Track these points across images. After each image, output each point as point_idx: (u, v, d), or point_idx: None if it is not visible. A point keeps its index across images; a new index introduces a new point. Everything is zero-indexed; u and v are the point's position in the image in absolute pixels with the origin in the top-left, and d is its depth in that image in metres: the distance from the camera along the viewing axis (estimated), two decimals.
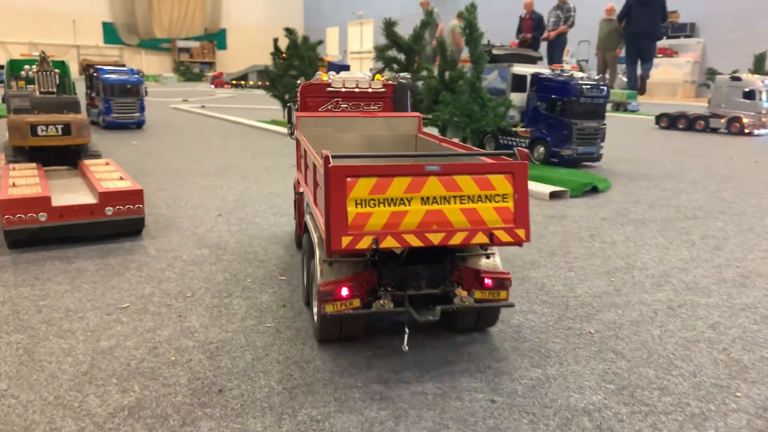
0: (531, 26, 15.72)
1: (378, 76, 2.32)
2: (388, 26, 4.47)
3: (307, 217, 1.75)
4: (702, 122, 7.17)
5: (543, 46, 16.03)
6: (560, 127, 4.23)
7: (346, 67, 10.99)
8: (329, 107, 2.25)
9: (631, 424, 1.23)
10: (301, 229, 2.01)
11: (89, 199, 2.50)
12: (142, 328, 1.64)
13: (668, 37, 17.49)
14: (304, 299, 1.79)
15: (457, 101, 4.12)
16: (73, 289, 1.91)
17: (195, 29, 26.76)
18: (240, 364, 1.46)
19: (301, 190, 2.05)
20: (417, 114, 2.29)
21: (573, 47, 18.24)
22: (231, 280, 2.01)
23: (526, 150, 1.49)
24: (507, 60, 4.66)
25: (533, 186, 3.44)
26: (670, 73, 16.91)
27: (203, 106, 10.08)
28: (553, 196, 3.31)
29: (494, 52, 4.64)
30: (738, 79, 6.78)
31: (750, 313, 1.79)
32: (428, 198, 1.39)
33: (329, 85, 2.22)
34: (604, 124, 4.35)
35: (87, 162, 3.07)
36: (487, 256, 1.54)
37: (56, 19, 24.57)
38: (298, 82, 2.37)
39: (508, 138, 4.57)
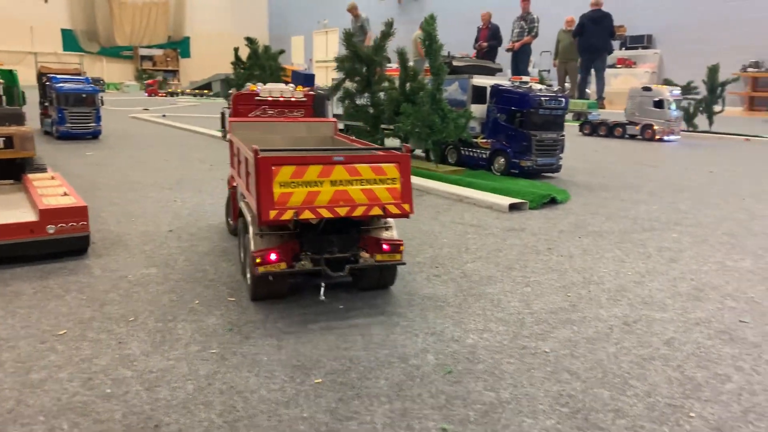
0: (487, 36, 15.96)
1: (299, 87, 2.72)
2: (348, 37, 4.43)
3: (242, 204, 2.16)
4: (620, 129, 7.75)
5: (506, 57, 16.28)
6: (520, 139, 4.24)
7: (311, 76, 10.92)
8: (258, 113, 2.66)
9: None
10: (236, 215, 2.38)
11: (29, 216, 2.38)
12: (77, 357, 1.55)
13: (627, 48, 17.91)
14: (242, 271, 2.15)
15: (418, 113, 4.10)
16: (7, 315, 1.80)
17: (158, 37, 26.30)
18: (180, 395, 1.38)
19: (234, 184, 2.46)
20: (333, 119, 2.74)
21: (536, 58, 18.56)
22: (177, 301, 1.93)
23: (409, 146, 1.96)
24: (467, 71, 4.67)
25: (492, 198, 3.44)
26: (630, 83, 17.22)
27: (164, 115, 9.89)
28: (513, 208, 3.30)
29: (454, 63, 4.65)
30: (649, 89, 7.37)
31: (704, 327, 1.79)
32: (336, 181, 1.83)
33: (257, 94, 2.63)
34: (563, 135, 4.39)
35: (31, 176, 2.94)
36: (386, 228, 2.01)
37: (12, 26, 23.87)
38: (230, 92, 2.76)
39: (470, 149, 4.57)
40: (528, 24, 15.27)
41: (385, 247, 1.92)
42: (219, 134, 6.56)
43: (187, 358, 1.54)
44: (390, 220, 2.00)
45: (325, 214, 1.80)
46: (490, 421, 1.29)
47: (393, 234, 2.00)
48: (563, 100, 4.32)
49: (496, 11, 16.94)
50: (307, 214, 1.79)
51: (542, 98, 4.19)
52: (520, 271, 2.28)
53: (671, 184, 4.27)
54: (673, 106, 7.29)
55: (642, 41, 17.50)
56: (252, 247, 1.85)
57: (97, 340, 1.64)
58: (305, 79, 9.01)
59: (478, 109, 4.47)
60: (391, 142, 4.87)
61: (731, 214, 3.32)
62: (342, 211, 1.81)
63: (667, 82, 8.47)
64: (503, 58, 15.04)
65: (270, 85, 2.70)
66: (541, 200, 3.43)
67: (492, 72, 4.88)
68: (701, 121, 8.22)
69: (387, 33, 4.47)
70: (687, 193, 3.94)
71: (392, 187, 1.87)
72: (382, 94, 4.57)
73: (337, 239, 1.92)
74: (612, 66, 18.13)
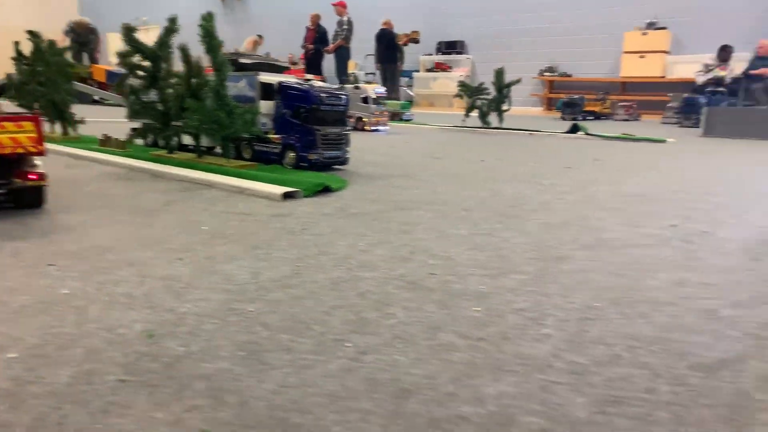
0: (314, 38, 16.33)
1: None
2: (128, 32, 4.37)
3: None
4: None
5: (330, 58, 16.68)
6: (306, 134, 4.48)
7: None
8: None
9: (249, 386, 1.38)
10: None
11: None
12: None
13: (443, 53, 19.18)
14: None
15: (202, 108, 4.17)
16: None
17: None
18: None
19: None
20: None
21: (361, 60, 19.22)
22: None
23: (39, 111, 2.71)
24: (254, 69, 4.82)
25: (269, 188, 3.62)
26: (446, 86, 18.58)
27: None
28: (287, 196, 3.51)
29: (241, 60, 4.77)
30: (358, 87, 8.69)
31: (398, 281, 2.09)
32: None
33: None
34: (348, 130, 4.71)
35: None
36: (33, 165, 2.88)
37: None
38: None
39: (263, 145, 4.73)
40: (340, 27, 15.92)
41: (31, 176, 2.85)
42: None
43: None
44: (36, 160, 2.90)
45: None
46: (173, 370, 1.44)
47: (38, 169, 2.89)
48: (344, 97, 4.63)
49: (326, 14, 17.34)
50: None
51: (323, 95, 4.46)
52: (265, 249, 2.47)
53: (445, 173, 4.77)
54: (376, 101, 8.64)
55: (455, 47, 18.88)
56: None
57: None
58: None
59: (267, 106, 4.65)
60: (186, 139, 4.88)
61: (478, 194, 3.82)
62: None
63: (467, 87, 9.29)
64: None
65: None
66: (315, 188, 3.68)
67: (280, 69, 5.07)
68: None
69: (171, 29, 4.47)
70: (454, 179, 4.44)
71: (31, 136, 2.77)
72: (170, 90, 4.57)
73: None
74: (431, 70, 19.40)
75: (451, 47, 18.89)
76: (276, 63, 5.10)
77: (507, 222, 3.07)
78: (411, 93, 19.03)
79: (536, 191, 3.99)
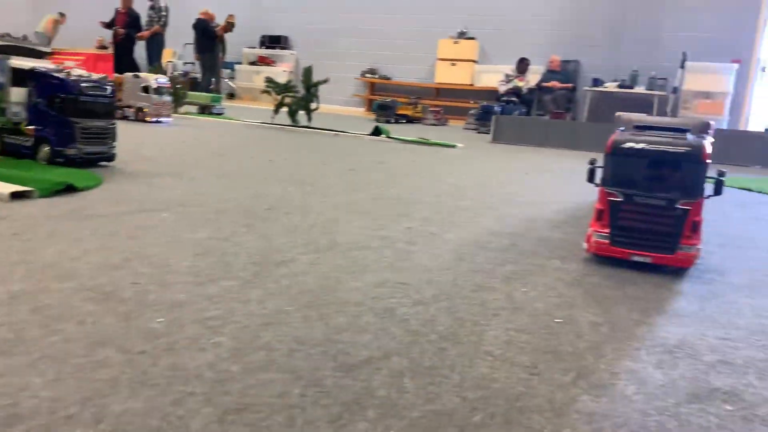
0: (125, 22, 15.23)
1: None
2: None
3: None
4: (120, 112, 7.93)
5: (141, 45, 15.62)
6: (63, 126, 4.12)
7: None
8: None
9: None
10: None
11: None
12: None
13: (267, 47, 18.90)
14: None
15: None
16: None
17: None
18: None
19: None
20: None
21: (179, 49, 18.30)
22: None
23: None
24: (8, 52, 4.34)
25: None
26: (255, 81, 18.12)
27: None
28: (17, 196, 3.19)
29: None
30: (138, 77, 8.34)
31: (91, 292, 1.99)
32: None
33: None
34: (113, 124, 4.42)
35: None
36: None
37: None
38: None
39: (13, 136, 4.27)
40: (156, 13, 15.03)
41: None
42: None
43: None
44: None
45: None
46: None
47: None
48: (108, 88, 4.35)
49: None
50: None
51: (83, 85, 4.15)
52: None
53: (220, 172, 4.68)
54: (157, 91, 8.32)
55: (279, 42, 18.70)
56: None
57: None
58: None
59: (20, 93, 4.21)
60: None
61: (241, 195, 3.80)
62: None
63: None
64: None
65: None
66: (54, 188, 3.39)
67: (40, 55, 4.62)
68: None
69: None
70: (226, 179, 4.37)
71: None
72: None
73: None
74: (254, 63, 19.03)
75: (275, 42, 18.70)
76: (36, 48, 4.64)
77: (254, 225, 3.07)
78: (232, 85, 18.53)
79: (304, 193, 4.06)
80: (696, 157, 2.53)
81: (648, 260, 2.64)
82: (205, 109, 10.71)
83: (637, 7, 15.76)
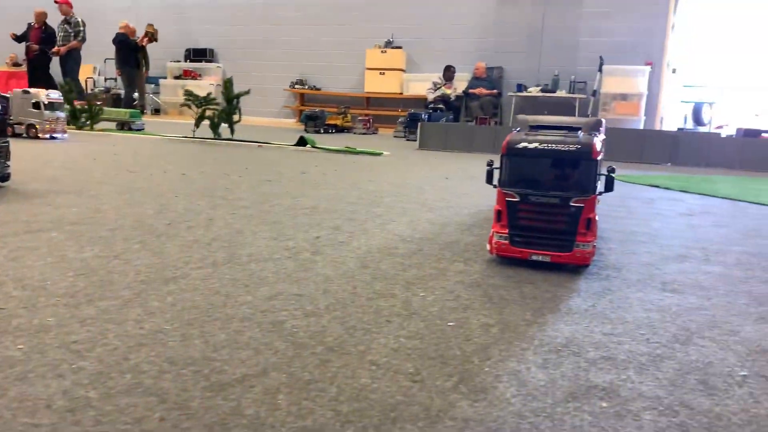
0: (41, 38, 14.60)
1: None
2: None
3: None
4: (10, 129, 7.78)
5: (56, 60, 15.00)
6: None
7: None
8: None
9: None
10: None
11: None
12: None
13: (191, 61, 18.52)
14: None
15: None
16: None
17: None
18: None
19: None
20: None
21: (100, 65, 17.68)
22: None
23: None
24: None
25: None
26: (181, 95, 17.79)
27: None
28: None
29: None
30: (28, 92, 8.08)
31: None
32: None
33: None
34: (6, 142, 4.16)
35: None
36: None
37: None
38: None
39: None
40: (73, 28, 14.47)
41: None
42: None
43: None
44: None
45: None
46: None
47: None
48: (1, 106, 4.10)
49: (53, 12, 15.47)
50: None
51: None
52: None
53: (126, 188, 4.49)
54: (48, 107, 8.08)
55: (205, 54, 18.37)
56: None
57: None
58: None
59: None
60: None
61: (144, 211, 3.64)
62: None
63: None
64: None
65: None
66: None
67: None
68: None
69: None
70: (131, 195, 4.18)
71: None
72: None
73: None
74: (179, 77, 18.59)
75: (200, 55, 18.31)
76: None
77: (149, 241, 2.94)
78: (157, 100, 18.00)
79: (212, 206, 3.93)
80: (586, 154, 2.53)
81: (547, 259, 2.66)
82: (124, 125, 10.33)
83: (555, 14, 16.34)
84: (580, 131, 2.66)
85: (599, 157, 2.61)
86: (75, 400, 1.42)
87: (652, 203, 5.20)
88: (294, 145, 8.86)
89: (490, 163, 2.79)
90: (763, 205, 5.32)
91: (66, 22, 14.67)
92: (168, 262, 2.61)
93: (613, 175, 2.67)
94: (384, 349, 1.82)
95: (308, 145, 8.75)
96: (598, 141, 2.65)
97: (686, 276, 2.82)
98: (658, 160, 9.46)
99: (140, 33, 15.84)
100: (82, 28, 14.83)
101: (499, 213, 2.70)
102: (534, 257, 2.67)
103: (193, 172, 5.56)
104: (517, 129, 2.79)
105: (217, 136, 8.97)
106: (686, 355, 1.89)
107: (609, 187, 2.67)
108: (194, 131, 9.04)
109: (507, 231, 2.69)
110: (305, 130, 13.23)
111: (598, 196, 2.67)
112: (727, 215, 4.67)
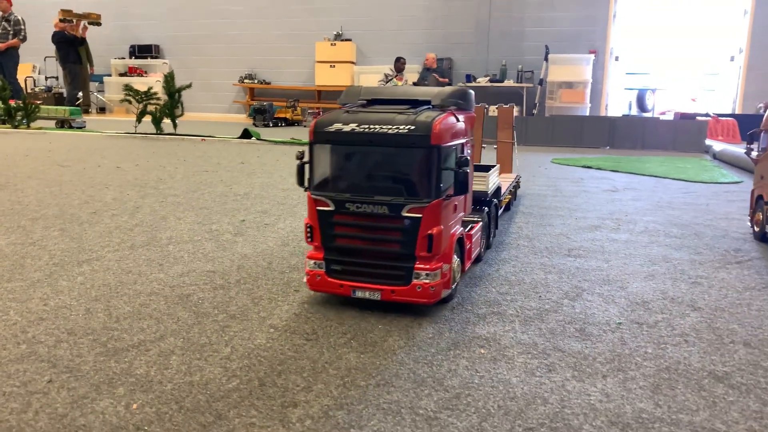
0: None
1: None
2: None
3: None
4: None
5: None
6: None
7: None
8: None
9: None
10: None
11: None
12: None
13: (137, 57, 18.15)
14: None
15: None
16: None
17: None
18: None
19: None
20: None
21: (40, 63, 17.16)
22: None
23: None
24: None
25: None
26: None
27: None
28: None
29: None
30: None
31: None
32: None
33: None
34: None
35: None
36: None
37: None
38: None
39: None
40: (12, 26, 14.04)
41: None
42: None
43: None
44: None
45: None
46: None
47: None
48: None
49: None
50: None
51: None
52: None
53: (57, 181, 4.44)
54: None
55: (150, 51, 18.02)
56: None
57: None
58: None
59: None
60: None
61: (70, 201, 3.62)
62: None
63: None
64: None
65: None
66: None
67: None
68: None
69: None
70: (60, 188, 4.14)
71: None
72: None
73: None
74: (124, 74, 18.21)
75: (145, 51, 17.94)
76: None
77: (70, 229, 2.94)
78: (102, 98, 17.60)
79: (142, 196, 3.93)
80: (421, 139, 1.74)
81: (376, 296, 1.86)
82: (64, 123, 10.09)
83: (502, 5, 16.61)
84: (426, 106, 1.91)
85: (448, 144, 1.83)
86: None
87: (580, 182, 5.41)
88: (238, 138, 8.82)
89: (300, 156, 1.94)
90: (684, 180, 5.59)
91: (5, 19, 14.17)
92: (85, 246, 2.63)
93: (464, 170, 1.86)
94: (286, 315, 1.90)
95: (253, 138, 8.72)
96: (448, 121, 1.85)
97: (593, 243, 2.98)
98: (597, 144, 9.77)
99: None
100: (22, 27, 14.36)
101: (310, 229, 1.91)
102: (359, 293, 1.87)
103: (129, 166, 5.51)
104: (346, 105, 2.02)
105: (159, 131, 8.86)
106: (572, 308, 2.02)
107: (459, 187, 1.86)
108: (136, 126, 8.89)
109: (321, 255, 1.91)
110: (254, 124, 13.13)
111: (450, 200, 1.88)
112: (647, 190, 4.90)
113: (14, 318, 1.79)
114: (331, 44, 17.98)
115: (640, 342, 1.74)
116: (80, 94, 15.26)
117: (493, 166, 3.11)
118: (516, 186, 4.08)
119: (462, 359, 1.60)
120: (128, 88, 8.60)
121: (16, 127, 9.58)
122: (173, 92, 8.71)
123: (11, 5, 14.55)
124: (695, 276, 2.43)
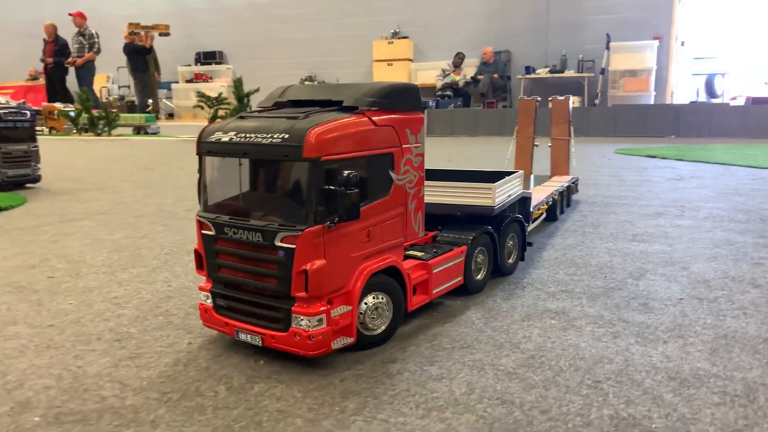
0: (54, 51, 15.09)
1: None
2: None
3: None
4: None
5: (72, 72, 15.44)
6: None
7: None
8: None
9: None
10: None
11: None
12: None
13: (202, 64, 18.90)
14: None
15: None
16: None
17: None
18: None
19: None
20: None
21: (113, 73, 18.15)
22: None
23: None
24: None
25: None
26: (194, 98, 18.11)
27: None
28: None
29: None
30: None
31: (9, 287, 2.19)
32: None
33: None
34: (36, 147, 4.56)
35: None
36: None
37: None
38: None
39: None
40: (87, 40, 14.96)
41: None
42: None
43: None
44: None
45: None
46: None
47: None
48: (27, 113, 4.48)
49: (62, 24, 15.98)
50: None
51: (2, 111, 4.28)
52: None
53: (144, 183, 4.86)
54: None
55: (214, 57, 18.75)
56: None
57: None
58: None
59: None
60: None
61: (163, 201, 4.00)
62: None
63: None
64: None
65: None
66: None
67: None
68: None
69: None
70: (147, 189, 4.56)
71: None
72: None
73: None
74: (190, 80, 19.02)
75: (210, 57, 18.73)
76: None
77: (171, 224, 3.30)
78: (171, 105, 18.48)
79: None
80: (293, 150, 1.42)
81: (257, 341, 1.55)
82: (140, 130, 10.76)
83: None
84: (331, 108, 1.61)
85: (333, 157, 1.45)
86: (120, 334, 1.77)
87: (644, 171, 5.44)
88: None
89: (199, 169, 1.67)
90: (753, 167, 5.53)
91: (80, 34, 15.14)
92: (188, 238, 2.96)
93: (353, 191, 1.45)
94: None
95: None
96: (337, 127, 1.49)
97: (657, 229, 3.10)
98: (661, 133, 9.63)
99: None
100: (96, 40, 15.29)
101: (199, 256, 1.68)
102: (242, 336, 1.58)
103: None
104: (259, 108, 1.76)
105: None
106: (636, 287, 2.18)
107: (345, 212, 1.45)
108: None
109: (209, 287, 1.66)
110: None
111: (349, 225, 1.51)
112: (712, 178, 4.91)
113: (147, 296, 2.11)
114: (389, 42, 18.22)
115: (699, 314, 1.89)
116: (150, 101, 16.10)
117: (511, 173, 2.47)
118: (569, 190, 3.58)
119: (535, 328, 1.80)
120: (200, 94, 9.12)
121: (98, 134, 10.29)
122: (242, 96, 9.15)
123: (86, 20, 15.51)
124: (758, 257, 2.53)
